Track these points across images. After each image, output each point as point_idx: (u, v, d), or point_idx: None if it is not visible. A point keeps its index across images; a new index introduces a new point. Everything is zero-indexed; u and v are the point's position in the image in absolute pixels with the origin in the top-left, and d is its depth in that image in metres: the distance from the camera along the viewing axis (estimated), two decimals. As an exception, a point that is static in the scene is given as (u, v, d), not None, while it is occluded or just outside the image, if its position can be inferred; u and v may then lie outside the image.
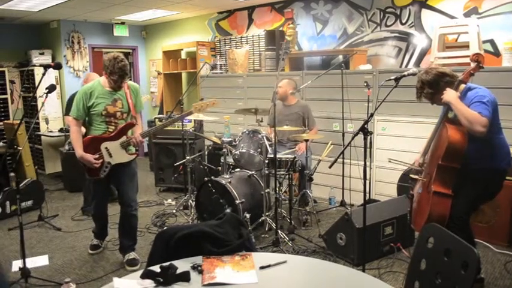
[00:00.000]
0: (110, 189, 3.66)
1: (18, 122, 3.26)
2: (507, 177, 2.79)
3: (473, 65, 2.63)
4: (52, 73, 6.81)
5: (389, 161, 2.99)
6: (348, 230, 3.36)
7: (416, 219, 2.88)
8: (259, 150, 3.97)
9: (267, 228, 4.00)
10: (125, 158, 3.34)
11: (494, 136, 2.67)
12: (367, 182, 2.97)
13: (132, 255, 3.46)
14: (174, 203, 5.15)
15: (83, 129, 3.42)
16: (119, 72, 3.13)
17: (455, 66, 3.90)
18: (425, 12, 4.76)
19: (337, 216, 3.86)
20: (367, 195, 3.22)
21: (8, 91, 6.55)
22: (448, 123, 2.65)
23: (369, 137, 2.87)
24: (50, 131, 6.56)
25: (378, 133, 4.59)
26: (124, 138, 3.29)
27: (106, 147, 3.26)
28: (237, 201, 3.77)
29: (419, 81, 2.75)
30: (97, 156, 3.25)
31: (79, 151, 3.22)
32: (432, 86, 2.70)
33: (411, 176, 2.93)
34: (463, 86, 2.67)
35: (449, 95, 2.61)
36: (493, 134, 2.65)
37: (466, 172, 2.67)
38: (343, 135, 4.69)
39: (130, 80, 8.64)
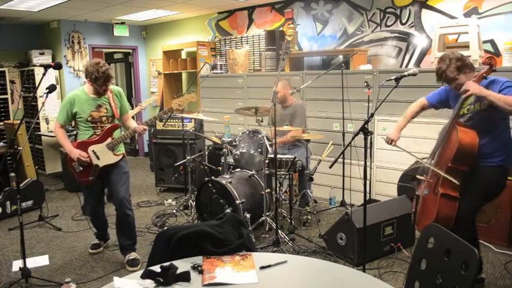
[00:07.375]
0: (103, 193, 3.68)
1: (19, 122, 3.26)
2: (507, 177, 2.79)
3: (485, 68, 2.63)
4: (52, 73, 6.81)
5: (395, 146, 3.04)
6: (348, 230, 3.36)
7: (421, 221, 2.87)
8: (260, 150, 3.97)
9: (267, 228, 4.00)
10: (112, 159, 3.40)
11: (506, 131, 2.67)
12: (368, 182, 2.97)
13: (132, 255, 3.46)
14: (174, 203, 5.15)
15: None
16: (104, 76, 3.20)
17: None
18: (425, 12, 4.75)
19: (338, 216, 3.86)
20: (368, 195, 3.21)
21: (8, 91, 6.55)
22: (458, 126, 2.64)
23: (369, 137, 2.86)
24: (51, 131, 6.54)
25: (378, 133, 4.58)
26: (109, 140, 3.36)
27: (93, 150, 3.34)
28: (237, 201, 3.77)
29: (445, 59, 2.68)
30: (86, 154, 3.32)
31: (68, 146, 3.33)
32: (460, 60, 2.65)
33: (417, 176, 2.91)
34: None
35: (475, 87, 2.52)
36: (506, 127, 2.66)
37: (475, 171, 2.65)
38: (343, 135, 4.70)
39: (131, 80, 8.67)
